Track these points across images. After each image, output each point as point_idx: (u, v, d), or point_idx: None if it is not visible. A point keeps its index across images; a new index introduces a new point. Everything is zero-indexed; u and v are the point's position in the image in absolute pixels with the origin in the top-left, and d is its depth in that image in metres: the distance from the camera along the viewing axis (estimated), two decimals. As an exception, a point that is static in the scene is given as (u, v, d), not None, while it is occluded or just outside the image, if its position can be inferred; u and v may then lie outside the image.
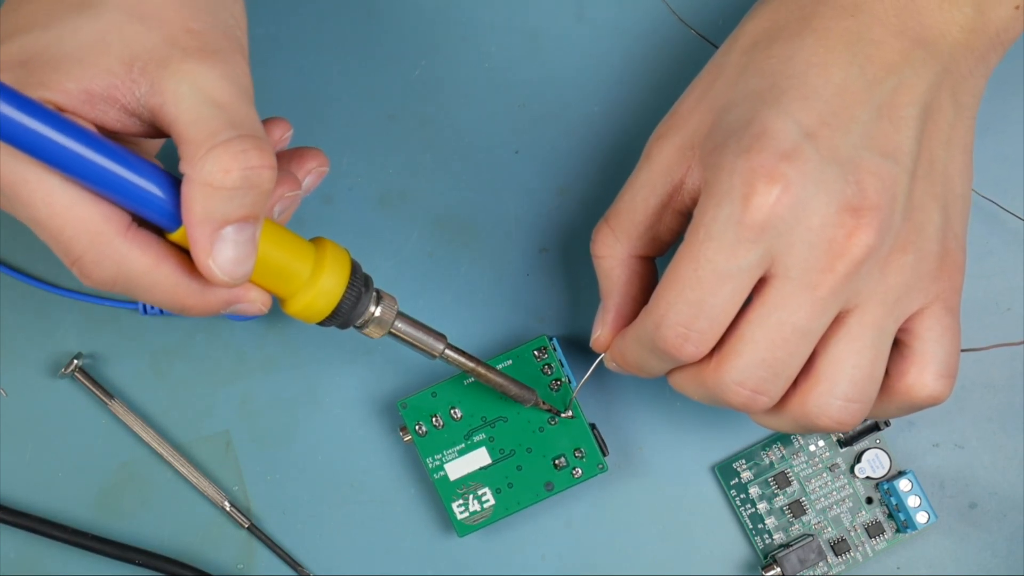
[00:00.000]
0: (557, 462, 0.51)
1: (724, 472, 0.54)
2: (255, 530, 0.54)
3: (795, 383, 0.44)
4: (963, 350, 0.46)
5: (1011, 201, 0.54)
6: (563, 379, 0.51)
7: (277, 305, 0.54)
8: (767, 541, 0.53)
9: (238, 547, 0.54)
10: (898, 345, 0.45)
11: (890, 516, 0.53)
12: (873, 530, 0.53)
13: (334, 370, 0.54)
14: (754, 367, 0.43)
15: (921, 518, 0.52)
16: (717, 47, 0.48)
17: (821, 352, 0.43)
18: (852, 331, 0.43)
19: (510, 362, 0.51)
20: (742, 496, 0.54)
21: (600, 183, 0.55)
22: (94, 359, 0.54)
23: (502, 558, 0.54)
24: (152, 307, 0.54)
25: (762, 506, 0.53)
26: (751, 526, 0.53)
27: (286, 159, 0.45)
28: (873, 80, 0.43)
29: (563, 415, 0.51)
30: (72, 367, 0.53)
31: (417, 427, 0.51)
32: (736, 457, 0.54)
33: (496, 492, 0.51)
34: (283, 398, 0.54)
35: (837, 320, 0.43)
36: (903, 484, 0.52)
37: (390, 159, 0.55)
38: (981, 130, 0.55)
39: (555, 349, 0.52)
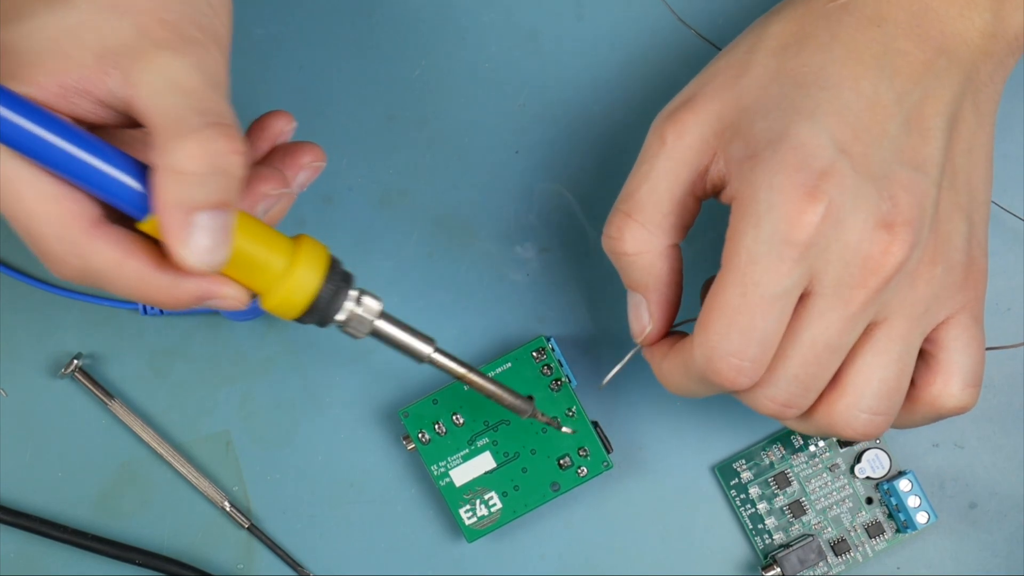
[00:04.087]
0: (562, 462, 0.51)
1: (724, 472, 0.54)
2: (255, 530, 0.54)
3: (822, 393, 0.44)
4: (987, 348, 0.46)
5: (1011, 201, 0.54)
6: (563, 379, 0.51)
7: (277, 305, 0.54)
8: (767, 541, 0.53)
9: (238, 547, 0.54)
10: (923, 355, 0.45)
11: (890, 516, 0.53)
12: (873, 530, 0.53)
13: (335, 370, 0.54)
14: (786, 383, 0.43)
15: (921, 518, 0.52)
16: (717, 47, 0.48)
17: (849, 364, 0.44)
18: (880, 344, 0.43)
19: (509, 364, 0.51)
20: (742, 496, 0.54)
21: (600, 183, 0.55)
22: (94, 359, 0.54)
23: (502, 558, 0.54)
24: (152, 307, 0.54)
25: (762, 506, 0.53)
26: (751, 526, 0.53)
27: (279, 155, 0.45)
28: (902, 92, 0.43)
29: (564, 430, 0.51)
30: (72, 367, 0.53)
31: (420, 435, 0.51)
32: (736, 457, 0.54)
33: (503, 496, 0.51)
34: (283, 398, 0.54)
35: (865, 332, 0.43)
36: (903, 484, 0.52)
37: (390, 159, 0.55)
38: (981, 130, 0.55)
39: (553, 349, 0.52)
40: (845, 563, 0.53)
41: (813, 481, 0.54)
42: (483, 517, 0.51)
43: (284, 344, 0.54)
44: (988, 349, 0.46)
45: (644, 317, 0.46)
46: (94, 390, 0.54)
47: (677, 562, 0.54)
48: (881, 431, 0.44)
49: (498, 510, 0.51)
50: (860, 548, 0.53)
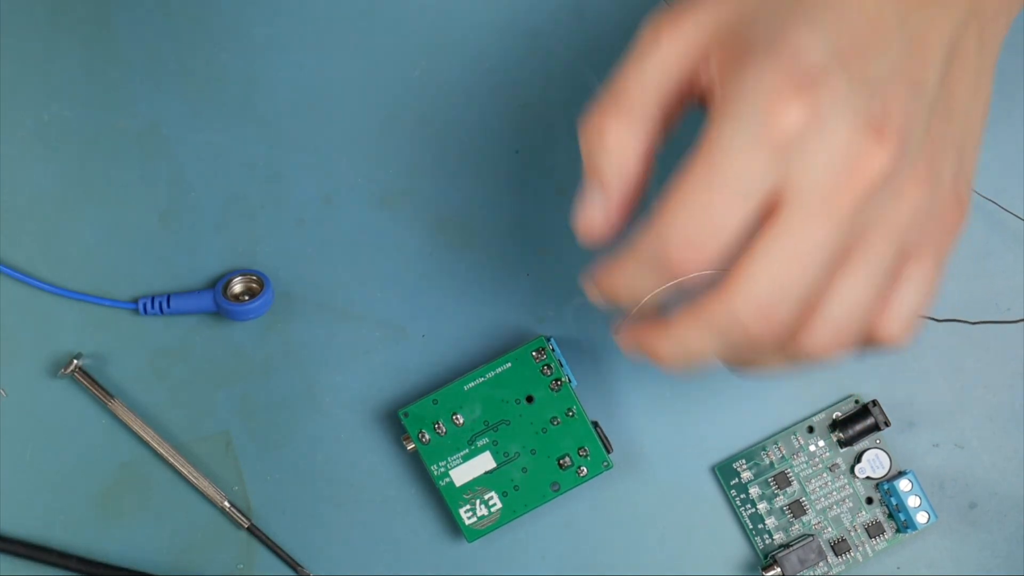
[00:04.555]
0: (562, 462, 0.51)
1: (724, 472, 0.54)
2: (255, 530, 0.54)
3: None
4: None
5: (1011, 201, 0.54)
6: (563, 379, 0.51)
7: (276, 304, 0.54)
8: (767, 541, 0.53)
9: (238, 547, 0.54)
10: None
11: (890, 516, 0.53)
12: (873, 530, 0.53)
13: (334, 370, 0.54)
14: (768, 292, 0.40)
15: (921, 518, 0.52)
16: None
17: (826, 282, 0.41)
18: (859, 262, 0.41)
19: (509, 364, 0.51)
20: (742, 496, 0.54)
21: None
22: (94, 359, 0.54)
23: (502, 558, 0.54)
24: (152, 307, 0.54)
25: (762, 506, 0.53)
26: (751, 526, 0.53)
27: None
28: (905, 12, 0.42)
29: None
30: (72, 367, 0.53)
31: (420, 435, 0.51)
32: (736, 457, 0.54)
33: (503, 495, 0.51)
34: (283, 398, 0.54)
35: (845, 248, 0.41)
36: (903, 484, 0.52)
37: (390, 159, 0.55)
38: (981, 130, 0.55)
39: (553, 350, 0.52)
40: (845, 563, 0.53)
41: (813, 481, 0.54)
42: (483, 517, 0.51)
43: (284, 344, 0.54)
44: (987, 323, 0.45)
45: (599, 213, 0.43)
46: (94, 390, 0.54)
47: (677, 562, 0.54)
48: (843, 351, 0.42)
49: (498, 510, 0.51)
50: (860, 548, 0.53)
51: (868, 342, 0.43)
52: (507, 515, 0.51)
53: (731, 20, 0.42)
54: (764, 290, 0.40)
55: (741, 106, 0.40)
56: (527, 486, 0.51)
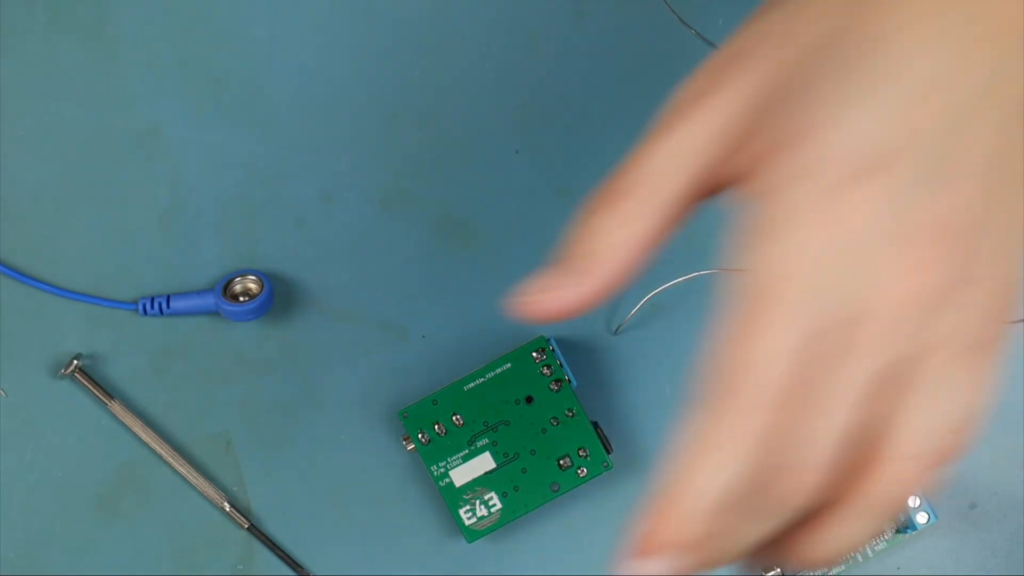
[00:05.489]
0: (562, 463, 0.51)
1: (724, 472, 0.54)
2: (255, 530, 0.54)
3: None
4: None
5: (1011, 201, 0.54)
6: (563, 379, 0.51)
7: (276, 305, 0.54)
8: (767, 541, 0.53)
9: (238, 547, 0.54)
10: None
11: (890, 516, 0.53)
12: (873, 530, 0.53)
13: (334, 370, 0.54)
14: (803, 446, 0.34)
15: (921, 518, 0.52)
16: (717, 47, 0.48)
17: (880, 421, 0.35)
18: (922, 386, 0.35)
19: (509, 365, 0.51)
20: (742, 496, 0.54)
21: (600, 183, 0.55)
22: (94, 359, 0.54)
23: (502, 558, 0.54)
24: (152, 307, 0.54)
25: (762, 506, 0.53)
26: (751, 526, 0.53)
27: None
28: (968, 72, 0.36)
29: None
30: (72, 367, 0.53)
31: (420, 435, 0.51)
32: (736, 457, 0.54)
33: (503, 496, 0.51)
34: (283, 399, 0.54)
35: (897, 378, 0.36)
36: (903, 484, 0.52)
37: (390, 159, 0.55)
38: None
39: (553, 350, 0.52)
40: (845, 563, 0.53)
41: (813, 481, 0.54)
42: (483, 517, 0.51)
43: (284, 344, 0.54)
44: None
45: (563, 292, 0.38)
46: (94, 390, 0.54)
47: (677, 562, 0.54)
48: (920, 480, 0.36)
49: (498, 510, 0.51)
50: (860, 548, 0.53)
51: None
52: (507, 516, 0.51)
53: (770, 91, 0.36)
54: (915, 447, 0.35)
55: (783, 217, 0.34)
56: (527, 487, 0.51)
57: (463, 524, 0.51)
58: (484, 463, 0.51)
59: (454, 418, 0.51)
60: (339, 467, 0.54)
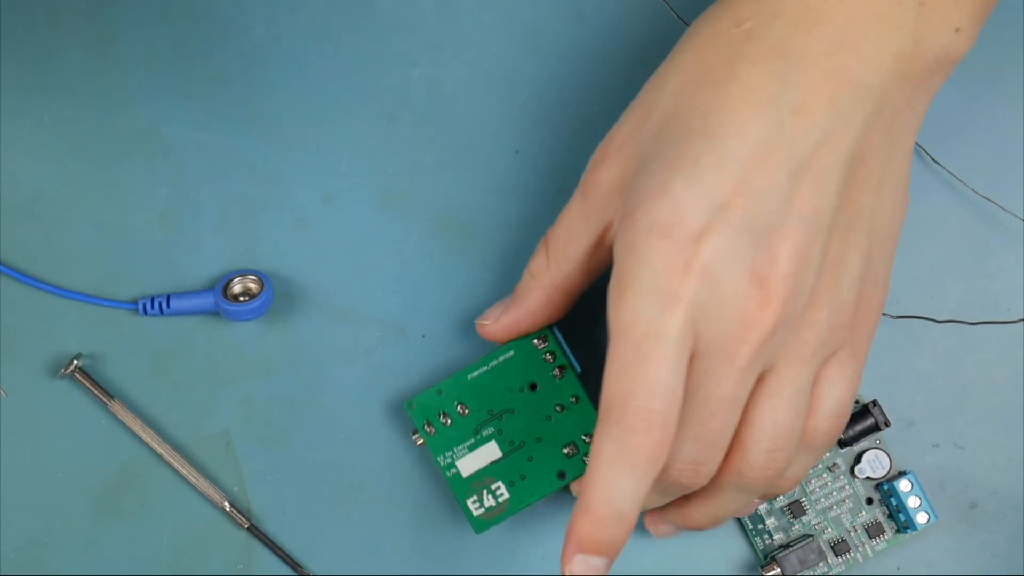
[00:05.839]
0: (567, 450, 0.51)
1: (724, 472, 0.54)
2: (255, 530, 0.54)
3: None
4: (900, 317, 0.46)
5: (1011, 201, 0.54)
6: (567, 366, 0.51)
7: (276, 305, 0.54)
8: (767, 541, 0.53)
9: (238, 547, 0.54)
10: None
11: (890, 516, 0.53)
12: (873, 530, 0.53)
13: (334, 370, 0.54)
14: (692, 443, 0.43)
15: (921, 518, 0.52)
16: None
17: (745, 415, 0.44)
18: (771, 391, 0.43)
19: (512, 353, 0.51)
20: (742, 496, 0.54)
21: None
22: (94, 359, 0.54)
23: (502, 558, 0.54)
24: (152, 307, 0.54)
25: (762, 506, 0.53)
26: (751, 526, 0.53)
27: None
28: (795, 137, 0.41)
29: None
30: (72, 367, 0.53)
31: (426, 426, 0.51)
32: (736, 457, 0.54)
33: (509, 485, 0.51)
34: (283, 398, 0.54)
35: (759, 381, 0.43)
36: (903, 484, 0.52)
37: (390, 159, 0.55)
38: (981, 129, 0.55)
39: (556, 337, 0.51)
40: (845, 563, 0.53)
41: (813, 481, 0.54)
42: (491, 508, 0.51)
43: (284, 344, 0.54)
44: (987, 323, 0.45)
45: (497, 314, 0.50)
46: (94, 390, 0.54)
47: (677, 562, 0.54)
48: (782, 467, 0.45)
49: (505, 500, 0.51)
50: (860, 548, 0.53)
51: (809, 446, 0.46)
52: (515, 505, 0.51)
53: (634, 167, 0.44)
54: (683, 442, 0.43)
55: (637, 276, 0.41)
56: (533, 475, 0.51)
57: (471, 515, 0.51)
58: (490, 452, 0.51)
59: (459, 408, 0.51)
60: (339, 467, 0.54)
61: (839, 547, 0.53)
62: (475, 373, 0.51)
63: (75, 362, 0.54)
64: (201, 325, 0.55)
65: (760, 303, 0.41)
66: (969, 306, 0.54)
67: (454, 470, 0.51)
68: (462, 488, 0.51)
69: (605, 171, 0.45)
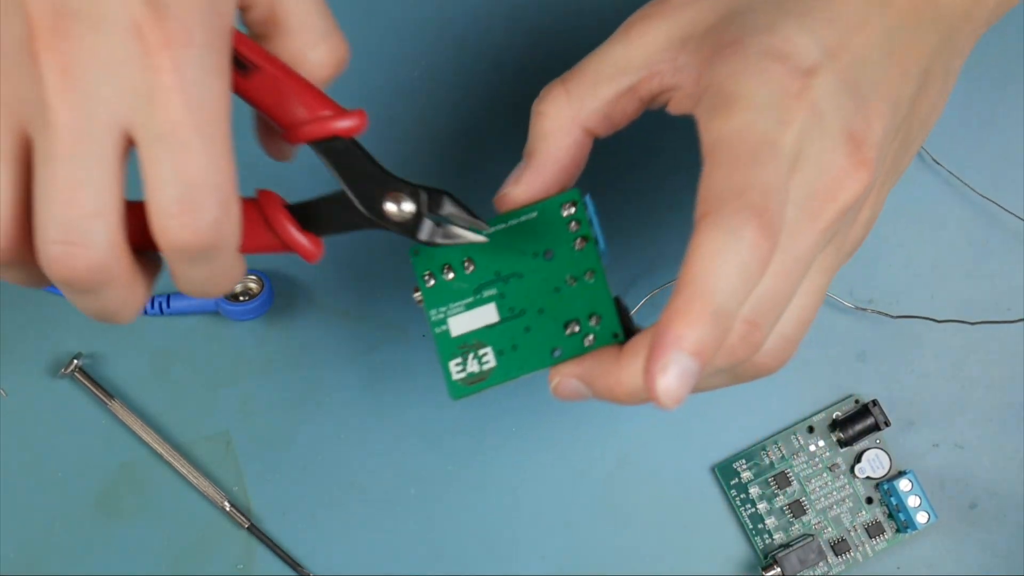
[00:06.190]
0: (569, 327, 0.45)
1: (724, 472, 0.54)
2: (255, 530, 0.54)
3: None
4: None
5: (1011, 201, 0.54)
6: (591, 238, 0.45)
7: (276, 304, 0.54)
8: (767, 541, 0.53)
9: (238, 547, 0.54)
10: None
11: (890, 516, 0.53)
12: (873, 530, 0.53)
13: (334, 370, 0.54)
14: (751, 300, 0.39)
15: (921, 518, 0.52)
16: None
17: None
18: (812, 271, 0.41)
19: (535, 214, 0.46)
20: (742, 496, 0.54)
21: (601, 182, 0.55)
22: (94, 359, 0.54)
23: (502, 558, 0.54)
24: (152, 307, 0.54)
25: (762, 506, 0.53)
26: (751, 526, 0.53)
27: None
28: (891, 26, 0.41)
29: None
30: (72, 367, 0.53)
31: (426, 277, 0.46)
32: (736, 457, 0.54)
33: (499, 354, 0.45)
34: (283, 398, 0.54)
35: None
36: (903, 484, 0.52)
37: (390, 159, 0.55)
38: (981, 129, 0.55)
39: (587, 205, 0.45)
40: (845, 563, 0.53)
41: (813, 481, 0.54)
42: (473, 374, 0.45)
43: (284, 344, 0.54)
44: (987, 323, 0.45)
45: (512, 179, 0.45)
46: (94, 390, 0.54)
47: (677, 562, 0.54)
48: (758, 344, 0.40)
49: (491, 368, 0.45)
50: (860, 548, 0.53)
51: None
52: (499, 375, 0.45)
53: (709, 19, 0.42)
54: (724, 302, 0.38)
55: (754, 106, 0.39)
56: (526, 347, 0.45)
57: (450, 378, 0.45)
58: (487, 315, 0.46)
59: (465, 263, 0.46)
60: (339, 467, 0.54)
61: (839, 547, 0.53)
62: (491, 229, 0.45)
63: (75, 362, 0.54)
64: (201, 325, 0.55)
65: (856, 162, 0.39)
66: (969, 306, 0.54)
67: (444, 327, 0.46)
68: (448, 348, 0.45)
69: (662, 21, 0.43)
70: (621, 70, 0.44)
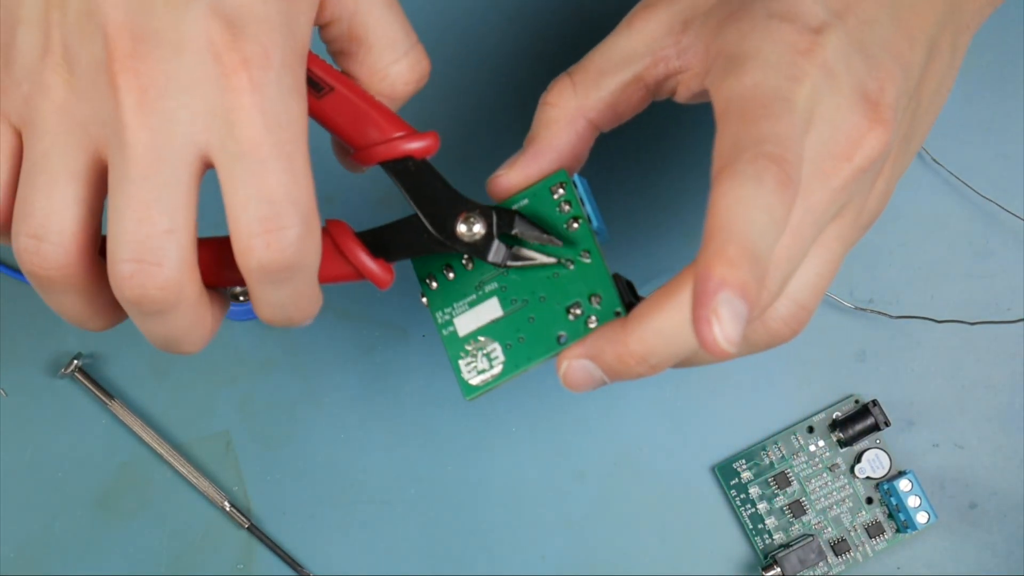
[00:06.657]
0: (571, 311, 0.45)
1: (724, 472, 0.54)
2: (255, 530, 0.54)
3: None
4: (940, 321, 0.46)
5: (1011, 201, 0.54)
6: (583, 218, 0.45)
7: (277, 305, 0.54)
8: (767, 541, 0.53)
9: (238, 547, 0.54)
10: None
11: (890, 516, 0.53)
12: (873, 530, 0.53)
13: (334, 370, 0.54)
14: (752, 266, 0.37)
15: (921, 518, 0.52)
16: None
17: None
18: (828, 236, 0.40)
19: (526, 201, 0.46)
20: (742, 496, 0.54)
21: (602, 183, 0.55)
22: (94, 359, 0.54)
23: (502, 558, 0.54)
24: (152, 307, 0.54)
25: (762, 506, 0.53)
26: (751, 526, 0.53)
27: None
28: None
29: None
30: (72, 367, 0.53)
31: (428, 280, 0.46)
32: (736, 457, 0.54)
33: (506, 348, 0.46)
34: (283, 398, 0.54)
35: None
36: (903, 484, 0.52)
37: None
38: (981, 129, 0.55)
39: (575, 185, 0.45)
40: (845, 563, 0.53)
41: (813, 481, 0.54)
42: (483, 371, 0.46)
43: (284, 344, 0.54)
44: (987, 323, 0.45)
45: (507, 163, 0.44)
46: (94, 390, 0.54)
47: (677, 562, 0.54)
48: (803, 326, 0.40)
49: (501, 363, 0.46)
50: (860, 548, 0.53)
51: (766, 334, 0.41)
52: (509, 369, 0.46)
53: (709, 1, 0.42)
54: (758, 244, 0.36)
55: (765, 65, 0.38)
56: (532, 336, 0.45)
57: (462, 378, 0.46)
58: (491, 309, 0.46)
59: (464, 261, 0.46)
60: (339, 467, 0.54)
61: (839, 547, 0.53)
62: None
63: (75, 362, 0.54)
64: (201, 325, 0.55)
65: (873, 120, 0.38)
66: (969, 306, 0.54)
67: (451, 328, 0.46)
68: (457, 348, 0.46)
69: (663, 10, 0.43)
70: (625, 60, 0.43)
